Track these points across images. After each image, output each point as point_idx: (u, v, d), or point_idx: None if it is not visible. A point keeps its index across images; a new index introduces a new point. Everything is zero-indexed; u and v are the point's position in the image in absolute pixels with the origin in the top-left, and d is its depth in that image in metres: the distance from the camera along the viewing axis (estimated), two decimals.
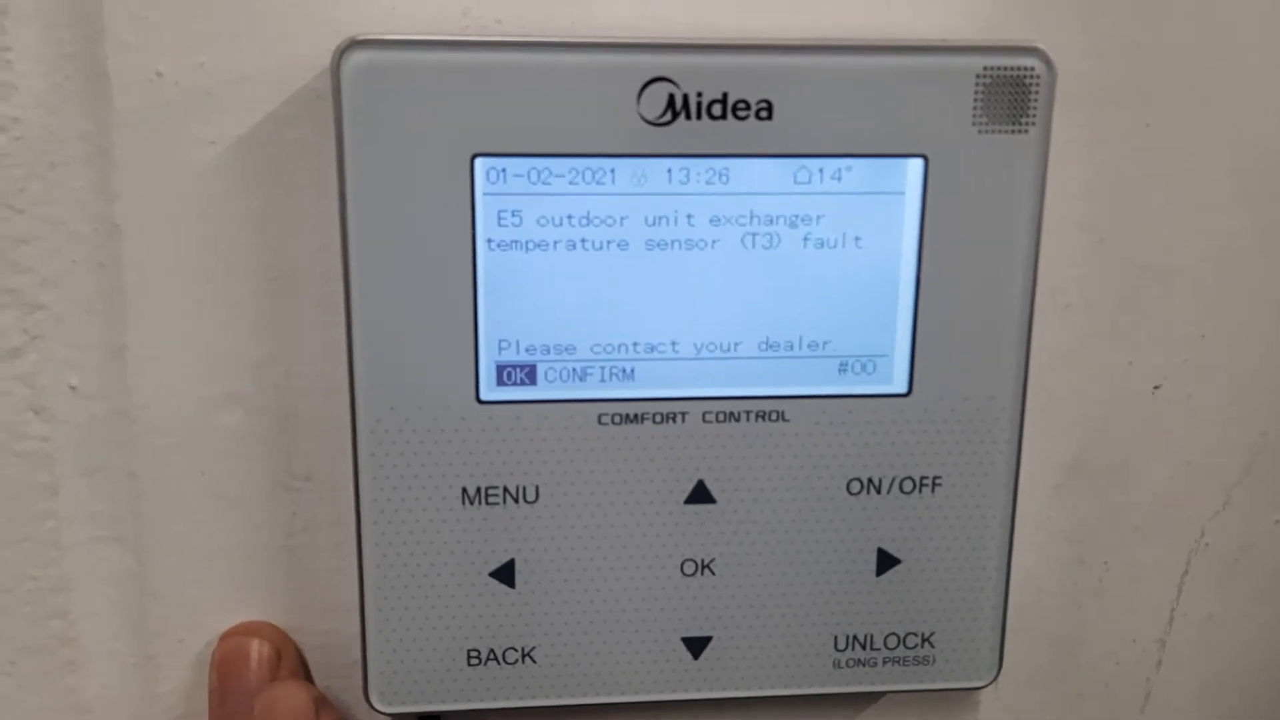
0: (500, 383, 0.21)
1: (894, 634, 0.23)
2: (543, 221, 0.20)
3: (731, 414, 0.21)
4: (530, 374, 0.21)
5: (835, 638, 0.23)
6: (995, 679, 0.23)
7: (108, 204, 0.21)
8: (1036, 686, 0.26)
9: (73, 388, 0.22)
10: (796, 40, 0.20)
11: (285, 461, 0.22)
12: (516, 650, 0.22)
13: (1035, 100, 0.20)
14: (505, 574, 0.22)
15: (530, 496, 0.21)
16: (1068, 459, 0.24)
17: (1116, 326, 0.24)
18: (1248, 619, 0.26)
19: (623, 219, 0.21)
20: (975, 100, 0.20)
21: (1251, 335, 0.24)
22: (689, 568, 0.22)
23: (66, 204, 0.21)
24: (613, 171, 0.20)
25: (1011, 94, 0.20)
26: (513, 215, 0.20)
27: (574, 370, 0.21)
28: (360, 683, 0.22)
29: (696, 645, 0.22)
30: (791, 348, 0.22)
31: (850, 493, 0.22)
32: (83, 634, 0.23)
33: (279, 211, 0.21)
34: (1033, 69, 0.20)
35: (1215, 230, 0.23)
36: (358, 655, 0.22)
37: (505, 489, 0.21)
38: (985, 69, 0.20)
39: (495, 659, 0.22)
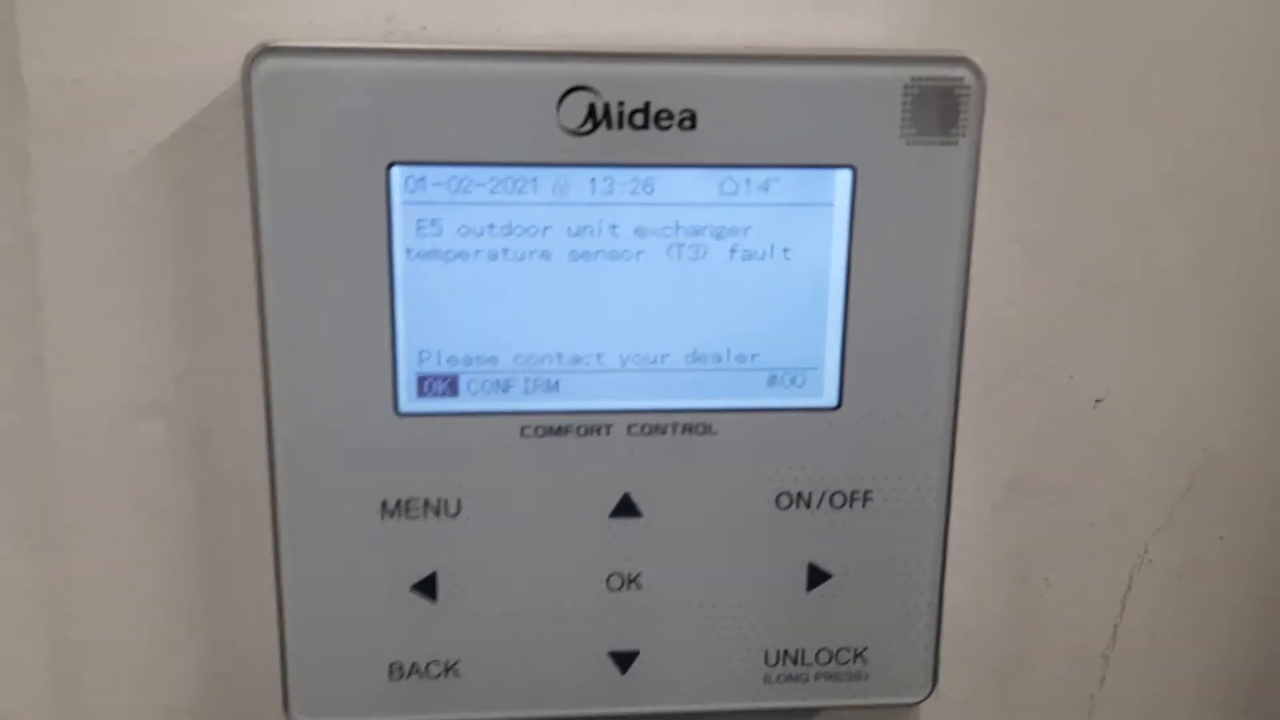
0: (421, 394, 0.21)
1: (826, 649, 0.23)
2: (463, 231, 0.20)
3: (658, 427, 0.21)
4: (452, 385, 0.21)
5: (766, 652, 0.23)
6: (930, 695, 0.23)
7: (25, 213, 0.21)
8: (977, 704, 0.25)
9: None
10: (720, 49, 0.20)
11: (206, 472, 0.22)
12: (439, 664, 0.22)
13: (965, 112, 0.20)
14: (427, 587, 0.21)
15: (452, 509, 0.21)
16: (1007, 476, 0.24)
17: (1056, 341, 0.23)
18: (1192, 635, 0.25)
19: (545, 229, 0.20)
20: (903, 111, 0.20)
21: (1194, 350, 0.24)
22: (615, 582, 0.22)
23: None
24: (534, 180, 0.20)
25: (940, 105, 0.20)
26: (432, 224, 0.20)
27: (497, 382, 0.21)
28: (281, 696, 0.22)
29: (624, 660, 0.22)
30: (719, 360, 0.21)
31: (779, 507, 0.22)
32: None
33: (199, 220, 0.21)
34: (962, 80, 0.20)
35: (1155, 245, 0.23)
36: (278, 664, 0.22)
37: (426, 501, 0.21)
38: (913, 79, 0.20)
39: (418, 672, 0.22)
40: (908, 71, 0.20)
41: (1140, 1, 0.22)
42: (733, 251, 0.21)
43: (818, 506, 0.22)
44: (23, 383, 0.21)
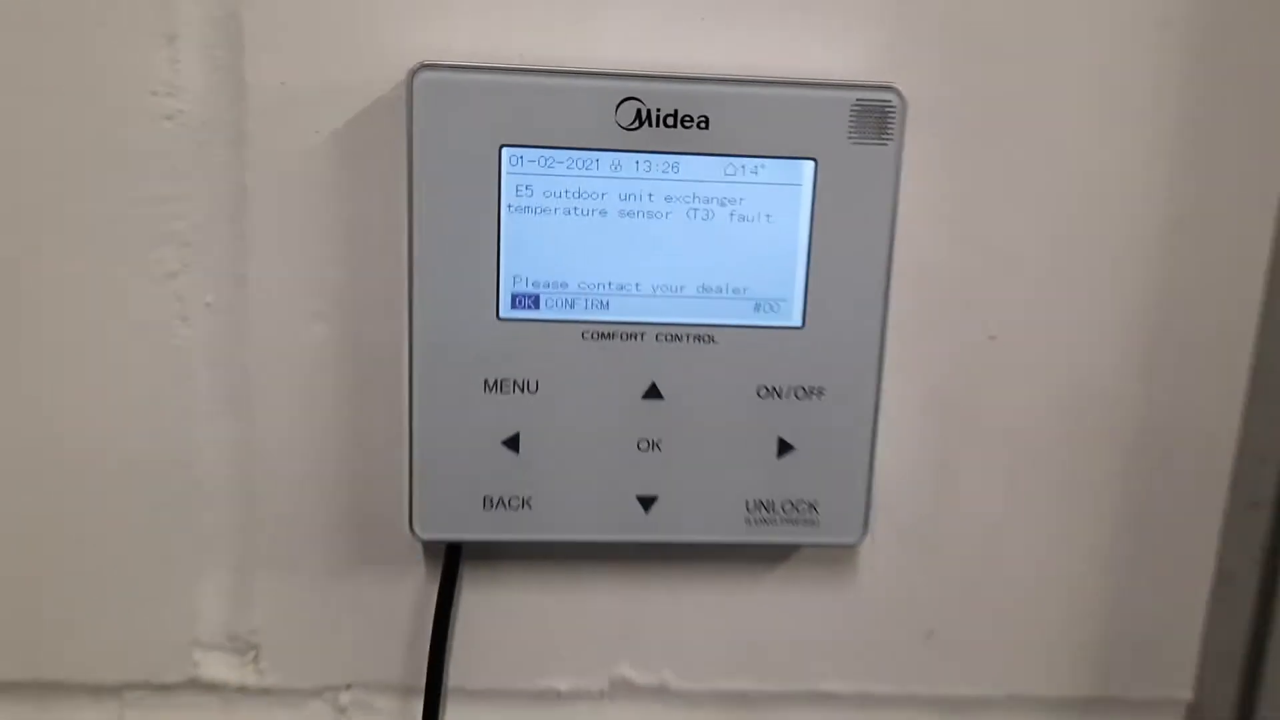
0: (514, 306, 0.30)
1: (789, 501, 0.32)
2: (547, 194, 0.29)
3: (676, 336, 0.30)
4: (535, 301, 0.30)
5: (747, 502, 0.32)
6: (863, 538, 0.32)
7: (241, 172, 0.30)
8: (901, 544, 0.34)
9: (208, 304, 0.31)
10: (726, 75, 0.29)
11: (359, 362, 0.31)
12: (518, 499, 0.31)
13: (892, 123, 0.29)
14: (513, 443, 0.30)
15: (532, 388, 0.30)
16: (928, 386, 0.33)
17: (963, 290, 0.33)
18: (1061, 504, 0.35)
19: (603, 194, 0.29)
20: (850, 121, 0.29)
21: (1069, 301, 0.33)
22: (643, 445, 0.31)
23: (211, 171, 0.30)
24: (597, 160, 0.29)
25: (876, 118, 0.29)
26: (527, 189, 0.29)
27: (566, 300, 0.30)
28: (407, 517, 0.31)
29: (647, 502, 0.31)
30: (720, 291, 0.30)
31: (760, 396, 0.31)
32: (207, 489, 0.32)
33: (363, 182, 0.30)
34: (890, 101, 0.29)
35: (1045, 223, 0.32)
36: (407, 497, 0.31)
37: (514, 381, 0.30)
38: (858, 100, 0.29)
39: (503, 504, 0.31)
40: (854, 94, 0.29)
41: (1014, 52, 0.31)
42: (731, 215, 0.30)
43: (787, 397, 0.31)
44: (231, 294, 0.31)
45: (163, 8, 0.29)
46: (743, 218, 0.30)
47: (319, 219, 0.30)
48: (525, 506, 0.31)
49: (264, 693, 0.34)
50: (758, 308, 0.31)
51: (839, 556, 0.34)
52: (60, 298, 0.31)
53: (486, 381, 0.30)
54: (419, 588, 0.33)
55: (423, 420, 0.30)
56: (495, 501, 0.31)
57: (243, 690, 0.34)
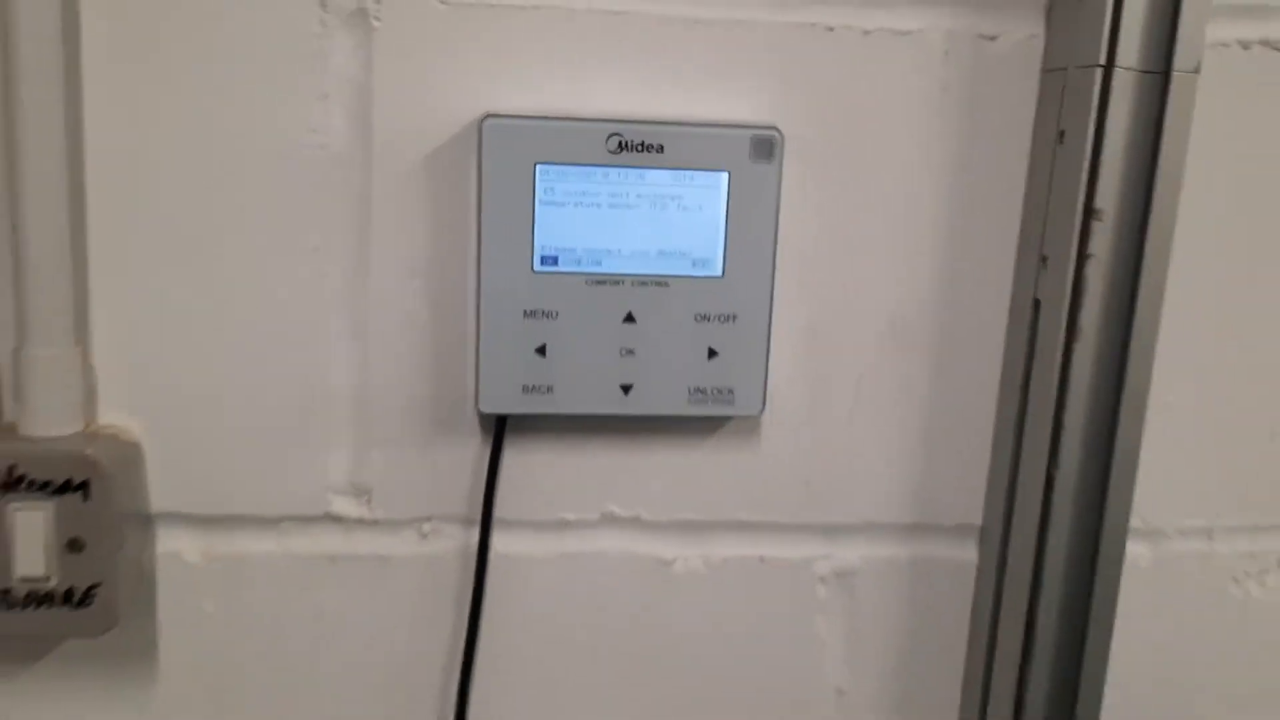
0: (542, 264, 0.47)
1: (716, 388, 0.50)
2: (564, 193, 0.47)
3: (644, 282, 0.48)
4: (555, 260, 0.48)
5: (689, 389, 0.50)
6: (762, 411, 0.51)
7: (367, 183, 0.47)
8: (789, 424, 0.53)
9: (341, 267, 0.48)
10: (674, 119, 0.47)
11: (438, 302, 0.49)
12: (544, 386, 0.49)
13: (775, 150, 0.47)
14: (542, 351, 0.48)
15: (554, 316, 0.48)
16: (804, 318, 0.51)
17: (824, 256, 0.51)
18: (888, 408, 0.53)
19: (598, 193, 0.47)
20: (750, 148, 0.47)
21: (891, 266, 0.51)
22: (623, 352, 0.49)
23: (348, 182, 0.47)
24: (594, 173, 0.47)
25: (765, 146, 0.47)
26: (550, 190, 0.47)
27: (575, 260, 0.48)
28: (474, 396, 0.48)
29: (626, 389, 0.49)
30: (672, 254, 0.48)
31: (696, 321, 0.49)
32: (337, 387, 0.49)
33: (444, 188, 0.48)
34: (773, 136, 0.47)
35: (874, 214, 0.51)
36: (473, 382, 0.48)
37: (543, 311, 0.48)
38: (753, 135, 0.47)
39: (536, 390, 0.48)
40: (751, 132, 0.47)
41: (846, 106, 0.49)
42: (678, 206, 0.48)
43: (713, 321, 0.49)
44: (357, 260, 0.48)
45: (319, 76, 0.46)
46: (684, 208, 0.48)
47: (416, 212, 0.48)
48: (549, 391, 0.49)
49: (373, 523, 0.51)
50: (694, 264, 0.49)
51: (749, 428, 0.52)
52: (246, 261, 0.48)
53: (525, 311, 0.48)
54: (477, 450, 0.51)
55: (485, 336, 0.48)
56: (529, 388, 0.49)
57: (359, 521, 0.51)
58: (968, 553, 0.55)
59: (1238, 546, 0.56)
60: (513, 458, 0.51)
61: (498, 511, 0.52)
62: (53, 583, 0.45)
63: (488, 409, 0.49)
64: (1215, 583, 0.57)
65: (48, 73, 0.43)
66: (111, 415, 0.48)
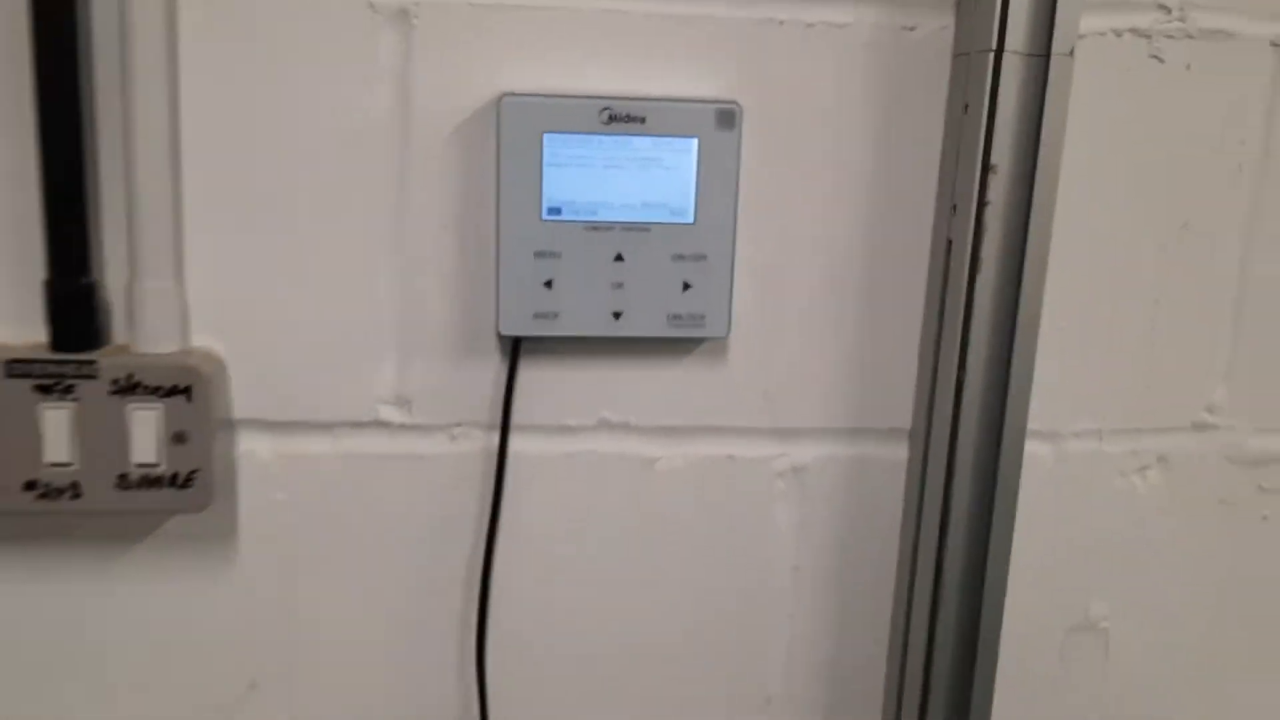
0: (548, 215, 0.59)
1: (690, 314, 0.61)
2: (566, 156, 0.58)
3: (631, 228, 0.60)
4: (559, 211, 0.59)
5: (667, 315, 0.61)
6: (729, 333, 0.62)
7: (406, 147, 0.59)
8: (750, 345, 0.64)
9: (386, 214, 0.59)
10: (654, 96, 0.58)
11: (465, 245, 0.60)
12: (552, 313, 0.60)
13: (735, 120, 0.59)
14: (549, 284, 0.60)
15: (559, 256, 0.59)
16: (761, 258, 0.63)
17: (776, 202, 0.62)
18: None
19: (595, 155, 0.59)
20: (716, 119, 0.59)
21: (826, 210, 0.63)
22: (614, 285, 0.60)
23: (405, 148, 0.58)
24: (591, 140, 0.58)
25: (728, 118, 0.59)
26: (556, 154, 0.58)
27: (575, 210, 0.59)
28: (495, 322, 0.60)
29: (617, 314, 0.61)
30: (653, 205, 0.60)
31: (673, 260, 0.60)
32: (385, 312, 0.61)
33: (470, 153, 0.59)
34: (735, 109, 0.59)
35: (835, 180, 0.62)
36: (494, 311, 0.60)
37: (549, 251, 0.59)
38: (718, 109, 0.59)
39: (544, 315, 0.60)
40: (716, 105, 0.59)
41: (786, 89, 0.61)
42: (658, 166, 0.59)
43: (688, 259, 0.61)
44: (396, 207, 0.59)
45: (370, 64, 0.57)
46: (663, 167, 0.59)
47: (447, 173, 0.59)
48: (554, 317, 0.60)
49: (413, 428, 0.63)
50: (671, 213, 0.60)
51: (718, 348, 0.64)
52: (311, 214, 0.59)
53: (535, 252, 0.59)
54: (497, 367, 0.62)
55: (503, 273, 0.59)
56: (539, 314, 0.60)
57: (401, 426, 0.63)
58: (900, 452, 0.67)
59: (1123, 446, 0.68)
60: (526, 373, 0.63)
61: (514, 418, 0.63)
62: (162, 468, 0.57)
63: (506, 331, 0.60)
64: (1105, 477, 0.69)
65: (153, 57, 0.55)
66: (201, 338, 0.60)
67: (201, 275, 0.59)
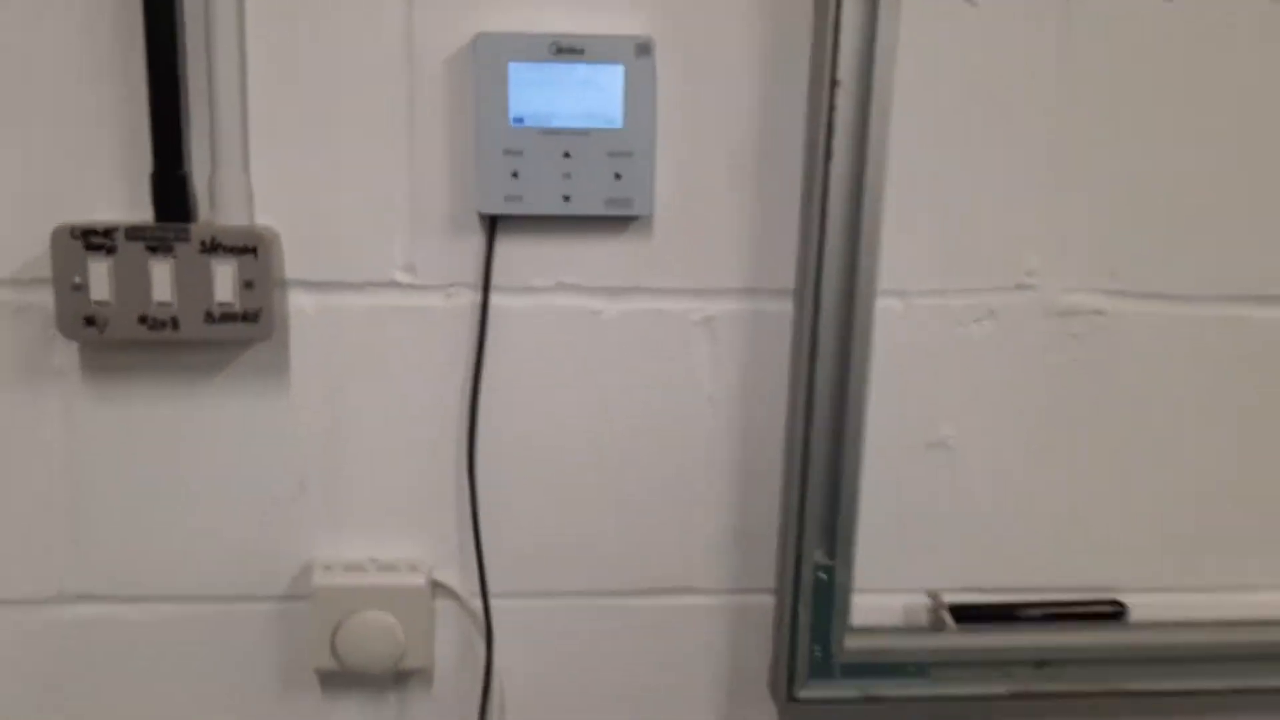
0: (514, 123, 0.80)
1: (624, 197, 0.83)
2: (526, 80, 0.80)
3: (575, 133, 0.81)
4: (522, 120, 0.80)
5: (605, 199, 0.82)
6: (652, 212, 0.83)
7: (409, 76, 0.80)
8: (669, 223, 0.85)
9: (403, 129, 0.81)
10: (588, 33, 0.80)
11: (454, 148, 0.81)
12: (517, 197, 0.81)
13: (651, 51, 0.80)
14: (515, 175, 0.81)
15: (522, 154, 0.81)
16: (683, 152, 0.84)
17: (692, 118, 0.83)
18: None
19: (546, 79, 0.80)
20: (636, 51, 0.80)
21: (735, 129, 0.84)
22: (564, 176, 0.81)
23: (410, 78, 0.80)
24: (544, 65, 0.79)
25: (645, 48, 0.80)
26: (520, 79, 0.79)
27: (535, 119, 0.80)
28: (476, 204, 0.81)
29: (566, 198, 0.82)
30: (592, 115, 0.81)
31: (608, 156, 0.81)
32: (401, 205, 0.82)
33: (454, 78, 0.80)
34: (650, 41, 0.80)
35: (732, 90, 0.83)
36: (476, 196, 0.81)
37: (515, 150, 0.80)
38: (636, 42, 0.80)
39: (512, 198, 0.81)
40: (635, 40, 0.80)
41: (696, 23, 0.82)
42: (594, 86, 0.80)
43: (618, 156, 0.82)
44: (406, 121, 0.81)
45: (382, 13, 0.79)
46: (599, 87, 0.80)
47: (439, 94, 0.80)
48: (520, 199, 0.82)
49: (418, 287, 0.84)
50: (605, 121, 0.81)
51: (646, 225, 0.85)
52: (341, 124, 0.80)
53: (504, 150, 0.80)
54: (479, 239, 0.84)
55: (480, 166, 0.81)
56: (509, 197, 0.81)
57: (410, 286, 0.84)
58: (786, 306, 0.88)
59: (961, 302, 0.89)
60: (501, 246, 0.84)
61: (493, 280, 0.85)
62: (236, 306, 0.79)
63: (483, 211, 0.82)
64: (947, 326, 0.89)
65: (228, 8, 0.76)
66: (262, 216, 0.81)
67: (263, 169, 0.81)
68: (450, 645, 0.91)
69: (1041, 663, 0.91)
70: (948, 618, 0.91)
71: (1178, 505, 0.94)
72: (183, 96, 0.78)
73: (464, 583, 0.89)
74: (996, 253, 0.88)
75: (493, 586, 0.89)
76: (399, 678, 0.90)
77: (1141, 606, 0.94)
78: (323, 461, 0.86)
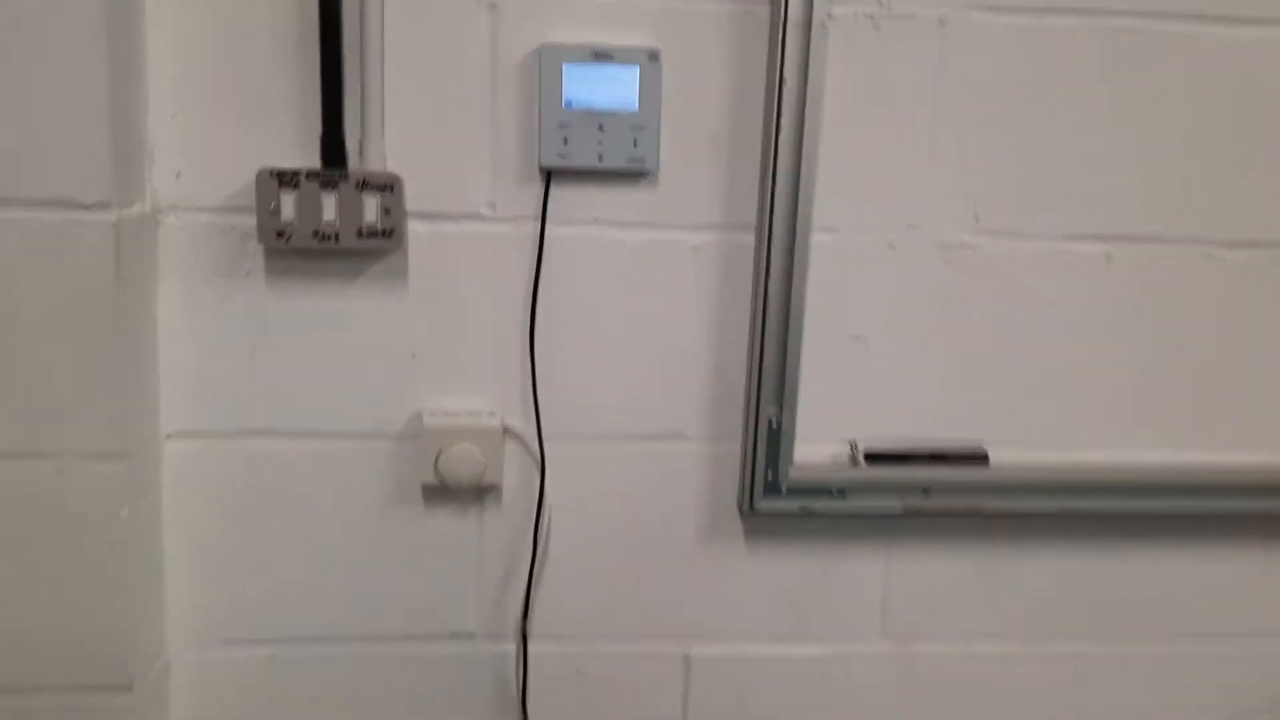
0: (566, 106, 1.18)
1: (638, 156, 1.21)
2: (575, 75, 1.18)
3: (607, 113, 1.19)
4: (571, 105, 1.18)
5: (626, 157, 1.20)
6: (658, 169, 1.21)
7: (492, 68, 1.18)
8: (674, 175, 1.23)
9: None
10: (615, 45, 1.18)
11: (521, 112, 1.20)
12: (568, 155, 1.19)
13: (659, 58, 1.18)
14: (565, 140, 1.19)
15: (569, 126, 1.18)
16: (674, 131, 1.22)
17: (685, 101, 1.21)
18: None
19: (588, 75, 1.18)
20: (648, 57, 1.18)
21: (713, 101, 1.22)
22: (599, 142, 1.19)
23: (498, 63, 1.18)
24: (587, 66, 1.17)
25: (654, 56, 1.18)
26: (570, 74, 1.17)
27: (580, 103, 1.18)
28: (538, 160, 1.19)
29: (600, 156, 1.20)
30: (617, 100, 1.19)
31: (629, 129, 1.20)
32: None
33: (525, 77, 1.18)
34: (658, 51, 1.18)
35: (713, 81, 1.21)
36: (538, 154, 1.19)
37: (565, 123, 1.18)
38: (648, 50, 1.18)
39: (563, 156, 1.19)
40: (647, 49, 1.18)
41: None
42: (619, 81, 1.19)
43: (635, 129, 1.20)
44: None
45: (475, 29, 1.17)
46: (623, 81, 1.19)
47: (517, 85, 1.18)
48: (569, 158, 1.19)
49: (496, 219, 1.22)
50: (625, 105, 1.19)
51: (653, 177, 1.23)
52: (444, 105, 1.18)
53: (558, 124, 1.18)
54: (539, 186, 1.22)
55: (543, 133, 1.19)
56: (561, 155, 1.19)
57: (491, 218, 1.22)
58: (749, 238, 1.26)
59: (872, 236, 1.27)
60: (554, 190, 1.22)
61: (548, 215, 1.22)
62: (378, 225, 1.16)
63: (543, 165, 1.20)
64: (861, 253, 1.27)
65: (373, 13, 1.14)
66: (392, 165, 1.19)
67: (394, 134, 1.18)
68: (514, 472, 1.29)
69: (926, 489, 1.30)
70: (861, 459, 1.30)
71: (1030, 381, 1.33)
72: (342, 85, 1.15)
73: (525, 427, 1.27)
74: (896, 203, 1.27)
75: (545, 430, 1.27)
76: (478, 493, 1.29)
77: (1001, 456, 1.33)
78: (429, 338, 1.24)
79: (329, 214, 1.16)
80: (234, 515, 1.27)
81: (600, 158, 1.20)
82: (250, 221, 1.18)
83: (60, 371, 1.10)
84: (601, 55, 1.18)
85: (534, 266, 1.24)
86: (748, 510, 1.29)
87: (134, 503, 1.17)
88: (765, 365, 1.26)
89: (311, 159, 1.17)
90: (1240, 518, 1.36)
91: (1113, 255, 1.30)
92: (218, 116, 1.17)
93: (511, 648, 1.33)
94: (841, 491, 1.29)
